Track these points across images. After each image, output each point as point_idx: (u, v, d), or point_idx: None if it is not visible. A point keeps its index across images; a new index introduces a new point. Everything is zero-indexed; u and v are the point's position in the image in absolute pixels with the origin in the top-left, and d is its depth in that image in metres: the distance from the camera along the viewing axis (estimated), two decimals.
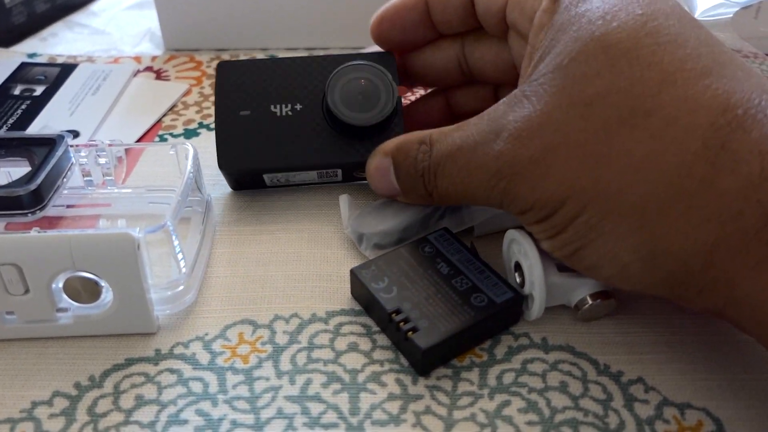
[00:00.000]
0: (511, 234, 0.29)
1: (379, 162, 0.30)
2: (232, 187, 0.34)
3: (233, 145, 0.31)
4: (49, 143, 0.30)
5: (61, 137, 0.30)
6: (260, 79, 0.32)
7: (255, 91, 0.32)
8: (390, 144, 0.30)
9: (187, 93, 0.47)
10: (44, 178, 0.28)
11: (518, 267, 0.29)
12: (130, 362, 0.27)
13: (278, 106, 0.31)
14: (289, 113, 0.31)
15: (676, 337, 0.28)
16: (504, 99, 0.26)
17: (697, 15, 0.39)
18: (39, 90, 0.46)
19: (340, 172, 0.33)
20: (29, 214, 0.28)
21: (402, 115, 0.32)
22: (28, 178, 0.28)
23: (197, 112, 0.45)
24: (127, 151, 0.34)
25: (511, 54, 0.32)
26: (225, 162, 0.31)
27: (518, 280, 0.29)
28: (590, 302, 0.28)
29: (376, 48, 0.34)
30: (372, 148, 0.30)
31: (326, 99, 0.30)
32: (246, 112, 0.31)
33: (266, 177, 0.32)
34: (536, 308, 0.28)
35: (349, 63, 0.32)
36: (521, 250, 0.28)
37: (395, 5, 0.33)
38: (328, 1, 0.50)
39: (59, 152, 0.29)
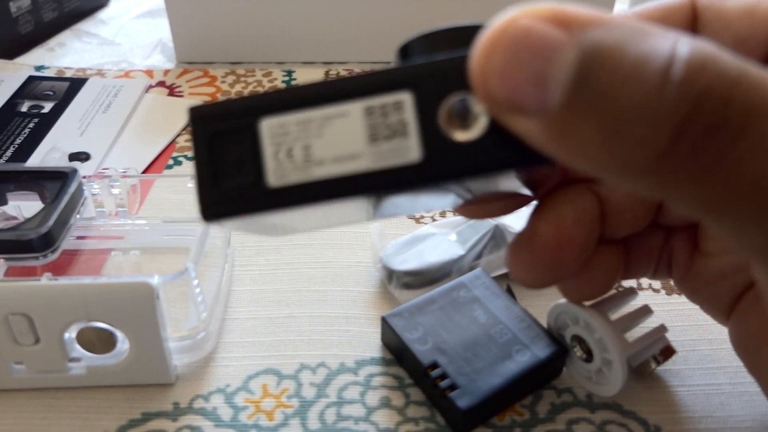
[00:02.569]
0: (562, 307, 0.26)
1: None
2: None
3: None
4: (61, 177, 0.28)
5: (74, 171, 0.28)
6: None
7: None
8: None
9: None
10: (56, 219, 0.26)
11: (577, 338, 0.26)
12: (147, 417, 0.25)
13: None
14: None
15: (731, 391, 0.26)
16: None
17: None
18: (47, 107, 0.44)
19: None
20: (40, 257, 0.26)
21: None
22: (40, 220, 0.26)
23: None
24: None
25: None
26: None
27: (579, 354, 0.26)
28: (655, 365, 0.26)
29: None
30: None
31: None
32: None
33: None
34: (615, 384, 0.25)
35: None
36: (583, 324, 0.25)
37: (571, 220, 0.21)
38: (346, 13, 0.48)
39: (71, 188, 0.27)
